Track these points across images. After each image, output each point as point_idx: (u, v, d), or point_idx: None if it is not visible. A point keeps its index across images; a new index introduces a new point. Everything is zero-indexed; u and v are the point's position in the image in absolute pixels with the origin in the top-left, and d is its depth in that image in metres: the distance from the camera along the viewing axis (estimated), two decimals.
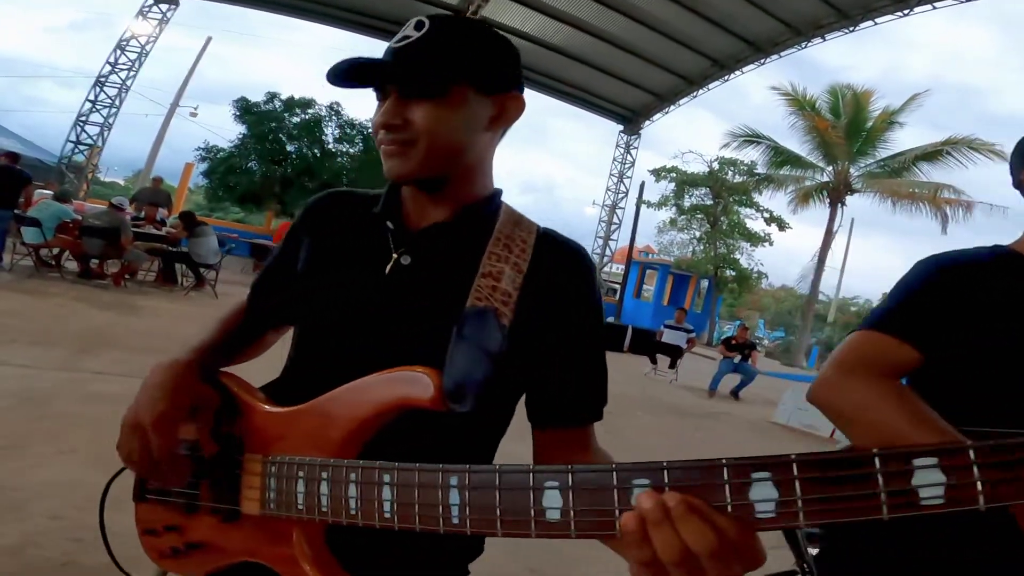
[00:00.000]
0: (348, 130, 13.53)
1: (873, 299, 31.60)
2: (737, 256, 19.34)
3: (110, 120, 13.65)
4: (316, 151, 13.11)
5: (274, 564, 0.67)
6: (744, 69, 15.25)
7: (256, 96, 13.37)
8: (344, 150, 13.55)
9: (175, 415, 0.69)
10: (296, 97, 13.35)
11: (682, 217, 19.83)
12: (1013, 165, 1.07)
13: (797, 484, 0.39)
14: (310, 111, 13.26)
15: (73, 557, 1.84)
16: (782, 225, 19.08)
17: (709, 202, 19.50)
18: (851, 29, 13.20)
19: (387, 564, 0.70)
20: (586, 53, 14.77)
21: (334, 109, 13.51)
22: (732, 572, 0.42)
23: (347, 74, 0.69)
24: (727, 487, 0.41)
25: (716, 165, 18.96)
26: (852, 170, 16.98)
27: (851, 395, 0.87)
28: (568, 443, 0.75)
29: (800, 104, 16.55)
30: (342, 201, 0.82)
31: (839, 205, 17.27)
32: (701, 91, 16.40)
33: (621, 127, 18.92)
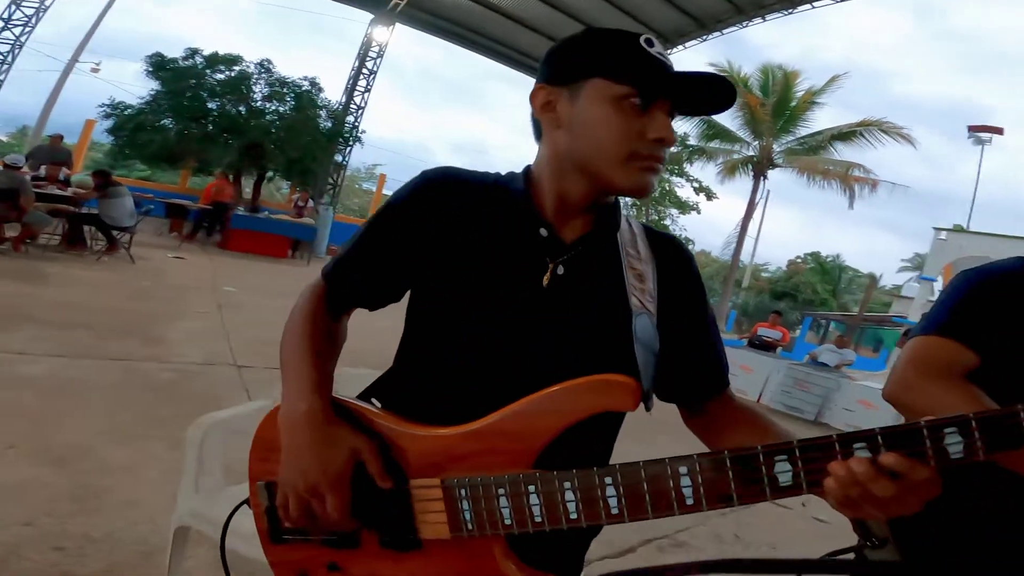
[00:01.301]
0: (279, 88, 12.83)
1: (782, 265, 34.10)
2: (667, 223, 20.29)
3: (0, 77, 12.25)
4: (242, 109, 12.36)
5: None
6: (687, 44, 15.49)
7: (172, 52, 12.46)
8: (273, 108, 12.85)
9: (346, 470, 0.66)
10: (221, 53, 12.50)
11: None
12: None
13: (977, 434, 0.52)
14: (236, 68, 12.47)
15: (64, 568, 1.69)
16: (710, 195, 20.09)
17: None
18: (790, 11, 13.66)
19: (542, 555, 0.71)
20: (534, 19, 14.56)
21: (264, 66, 12.79)
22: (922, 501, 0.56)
23: (704, 83, 0.68)
24: (928, 441, 0.53)
25: None
26: (775, 146, 17.94)
27: (932, 399, 0.95)
28: (725, 407, 0.80)
29: (734, 81, 16.99)
30: (464, 189, 0.76)
31: (761, 178, 18.26)
32: None
33: None
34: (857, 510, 0.56)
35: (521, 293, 0.72)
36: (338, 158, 15.17)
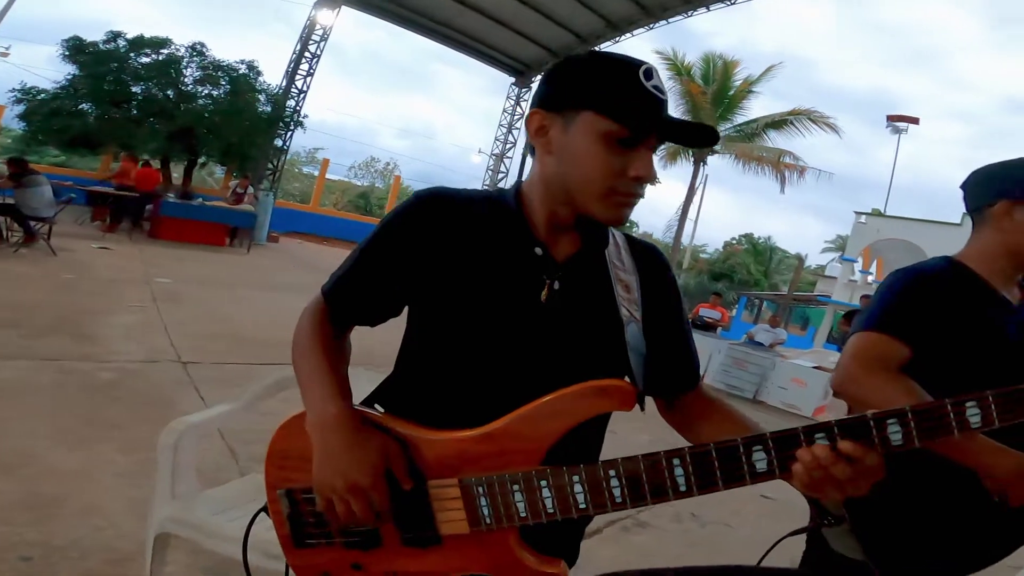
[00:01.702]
0: (213, 71, 12.22)
1: (719, 246, 35.55)
2: None
3: None
4: (170, 93, 11.71)
5: (493, 570, 0.74)
6: (635, 32, 15.72)
7: (92, 36, 11.68)
8: (206, 92, 12.26)
9: (382, 468, 0.71)
10: (146, 36, 11.80)
11: None
12: (976, 192, 1.26)
13: (912, 425, 0.63)
14: (164, 51, 11.80)
15: None
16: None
17: None
18: (733, 2, 14.03)
19: (548, 543, 0.77)
20: (484, 4, 14.39)
21: (196, 50, 12.14)
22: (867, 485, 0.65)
23: (681, 130, 0.73)
24: (874, 431, 0.64)
25: None
26: None
27: (875, 391, 1.08)
28: (698, 399, 0.89)
29: (678, 70, 17.47)
30: (456, 207, 0.81)
31: (701, 164, 18.92)
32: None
33: (513, 79, 19.09)
34: (819, 491, 0.65)
35: (521, 308, 0.77)
36: (278, 142, 14.67)
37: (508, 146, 20.15)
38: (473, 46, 17.03)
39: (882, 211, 20.37)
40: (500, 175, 20.36)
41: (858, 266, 20.42)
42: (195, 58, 12.15)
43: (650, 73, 0.72)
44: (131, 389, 3.26)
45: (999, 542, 1.15)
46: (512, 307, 0.76)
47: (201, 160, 13.22)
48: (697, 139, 0.74)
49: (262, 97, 13.11)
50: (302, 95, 14.72)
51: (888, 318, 1.14)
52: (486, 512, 0.72)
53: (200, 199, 11.21)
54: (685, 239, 24.75)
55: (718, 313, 9.42)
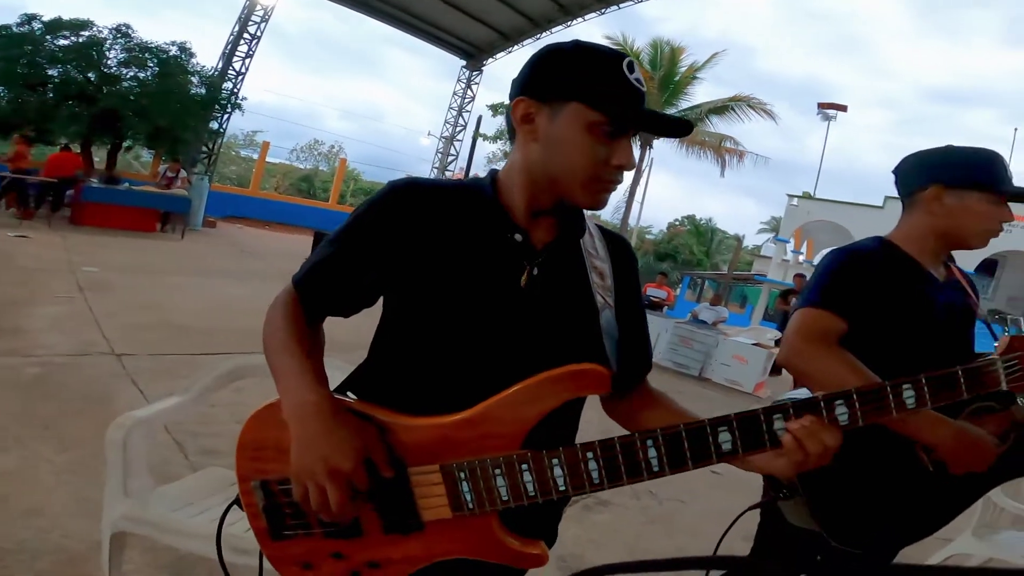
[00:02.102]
0: (139, 53, 11.53)
1: (663, 228, 36.55)
2: None
3: None
4: (91, 75, 10.95)
5: (476, 554, 0.75)
6: (587, 16, 15.73)
7: (5, 19, 11.02)
8: (132, 74, 11.57)
9: (361, 453, 0.71)
10: (65, 18, 11.03)
11: None
12: (909, 177, 1.35)
13: (857, 405, 0.71)
14: (85, 33, 11.06)
15: None
16: None
17: None
18: None
19: (528, 525, 0.78)
20: None
21: (122, 31, 11.43)
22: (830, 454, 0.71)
23: (658, 120, 0.76)
24: (825, 412, 0.71)
25: None
26: None
27: (818, 363, 1.16)
28: (645, 391, 0.93)
29: (628, 55, 17.68)
30: (430, 197, 0.82)
31: (648, 148, 19.31)
32: (544, 34, 16.64)
33: (464, 62, 18.80)
34: (803, 462, 0.71)
35: (501, 293, 0.78)
36: (214, 125, 14.02)
37: (458, 129, 19.93)
38: (423, 28, 16.70)
39: (812, 194, 21.45)
40: (450, 157, 20.22)
41: (790, 246, 21.51)
42: (120, 40, 11.49)
43: (632, 66, 0.76)
44: (62, 384, 3.07)
45: (938, 511, 1.24)
46: (493, 292, 0.78)
47: (127, 144, 12.46)
48: (673, 130, 0.77)
49: (195, 79, 12.52)
50: (240, 77, 14.17)
51: (826, 295, 1.22)
52: (468, 497, 0.73)
53: (127, 184, 10.56)
54: (632, 221, 25.31)
55: (664, 292, 9.73)
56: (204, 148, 14.01)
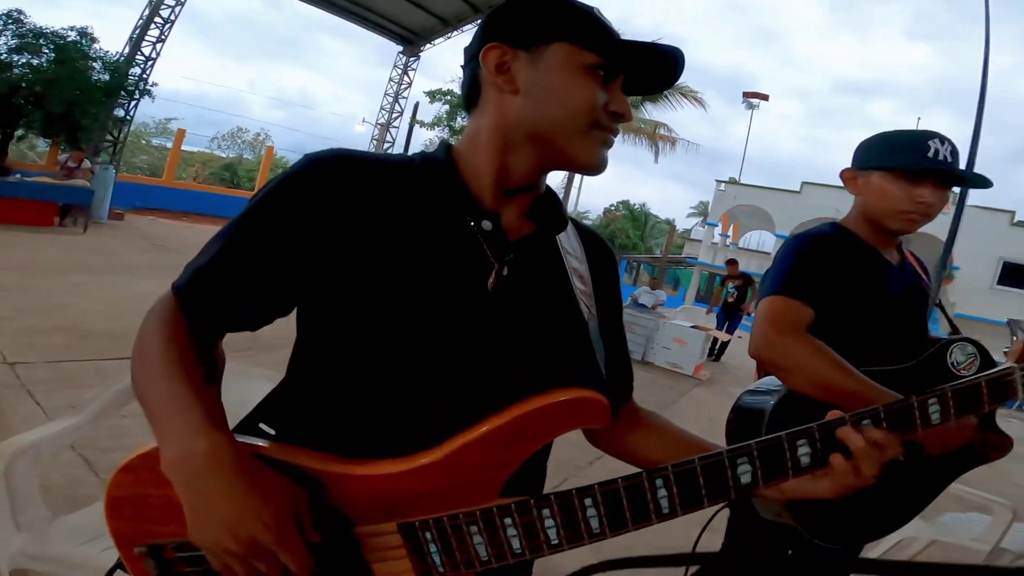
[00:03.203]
0: (32, 39, 10.73)
1: (600, 212, 37.39)
2: None
3: None
4: None
5: None
6: None
7: None
8: (25, 60, 10.74)
9: (288, 517, 0.55)
10: None
11: (454, 137, 20.63)
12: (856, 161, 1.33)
13: (952, 404, 0.70)
14: None
15: None
16: None
17: None
18: None
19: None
20: None
21: (13, 17, 10.62)
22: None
23: (660, 57, 0.66)
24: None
25: None
26: None
27: (793, 355, 1.11)
28: (632, 413, 0.81)
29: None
30: (365, 173, 0.64)
31: None
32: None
33: (400, 48, 18.40)
34: (860, 479, 0.64)
35: (462, 299, 0.62)
36: (120, 113, 13.09)
37: (394, 115, 19.50)
38: (358, 13, 16.09)
39: (738, 179, 22.49)
40: (386, 144, 19.82)
41: (718, 230, 22.51)
42: (10, 26, 10.67)
43: (600, 12, 0.67)
44: None
45: (909, 501, 1.22)
46: (451, 298, 0.62)
47: (19, 133, 11.37)
48: (660, 77, 0.69)
49: (97, 65, 11.70)
50: (150, 63, 13.32)
51: (791, 282, 1.18)
52: (438, 560, 0.59)
53: (18, 175, 9.58)
54: (570, 206, 25.62)
55: None
56: (109, 136, 13.11)
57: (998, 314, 14.88)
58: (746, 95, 26.75)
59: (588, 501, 0.59)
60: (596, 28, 0.64)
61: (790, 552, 1.43)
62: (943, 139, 1.22)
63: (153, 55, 13.32)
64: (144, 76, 13.12)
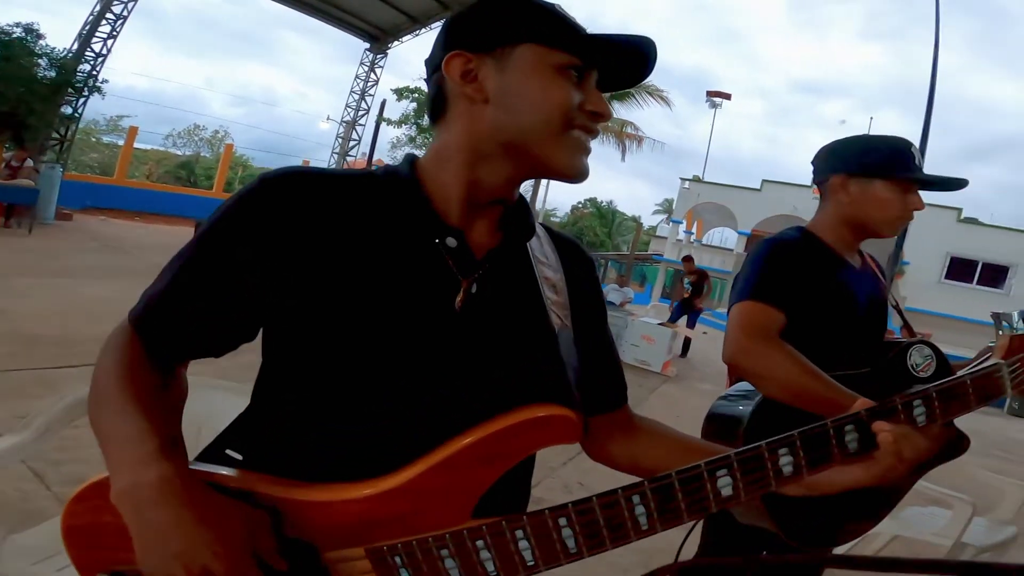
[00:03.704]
0: None
1: (567, 210, 37.74)
2: None
3: None
4: None
5: None
6: None
7: None
8: None
9: (245, 545, 0.53)
10: None
11: (421, 135, 20.51)
12: (818, 167, 1.37)
13: (936, 405, 0.70)
14: None
15: None
16: None
17: None
18: None
19: None
20: None
21: None
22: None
23: (632, 50, 0.64)
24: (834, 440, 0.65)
25: None
26: None
27: (766, 361, 1.12)
28: (628, 423, 0.80)
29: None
30: (322, 190, 0.62)
31: None
32: None
33: (367, 45, 18.10)
34: (894, 471, 0.65)
35: (429, 319, 0.60)
36: (68, 110, 12.56)
37: (360, 113, 19.24)
38: (323, 9, 15.76)
39: (701, 177, 22.95)
40: (352, 143, 19.56)
41: (683, 227, 22.94)
42: None
43: (563, 8, 0.64)
44: None
45: (882, 500, 1.25)
46: (417, 318, 0.60)
47: None
48: (633, 71, 0.66)
49: (44, 62, 11.29)
50: (100, 59, 12.80)
51: (762, 287, 1.19)
52: None
53: None
54: (537, 204, 25.75)
55: None
56: (56, 134, 12.57)
57: (946, 307, 15.62)
58: (710, 94, 27.37)
59: (563, 521, 0.58)
60: (562, 25, 0.62)
61: (764, 553, 1.44)
62: (913, 145, 1.26)
63: (104, 51, 12.93)
64: (94, 73, 12.70)
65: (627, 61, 0.65)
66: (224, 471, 0.60)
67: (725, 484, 0.60)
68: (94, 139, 28.99)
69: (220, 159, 21.34)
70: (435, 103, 0.65)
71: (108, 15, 12.74)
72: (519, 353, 0.65)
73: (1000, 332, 0.85)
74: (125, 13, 12.99)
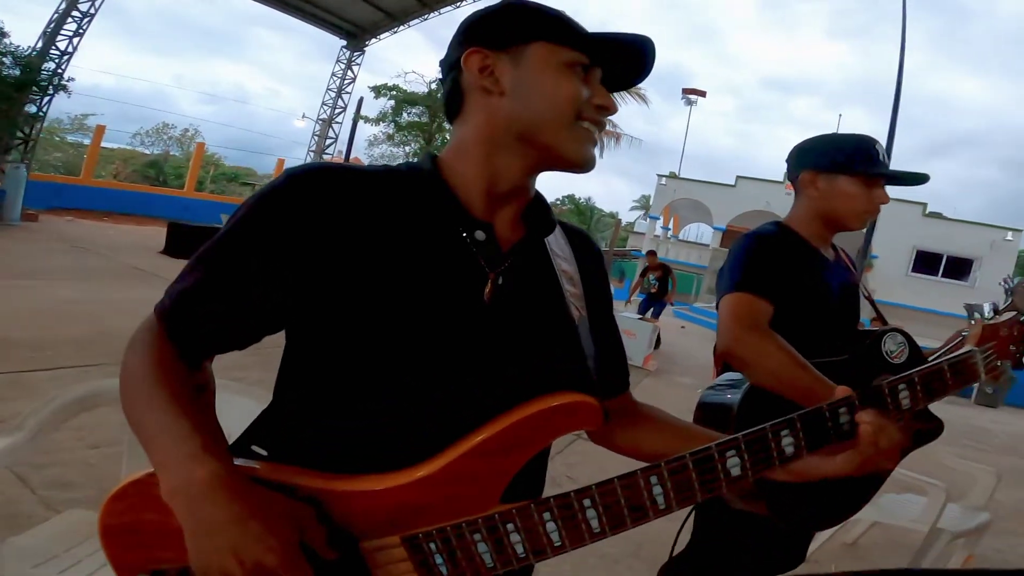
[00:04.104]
0: None
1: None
2: None
3: None
4: None
5: None
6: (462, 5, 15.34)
7: None
8: None
9: (294, 539, 0.54)
10: None
11: (399, 133, 20.79)
12: (791, 164, 1.43)
13: (919, 388, 0.76)
14: None
15: None
16: None
17: (425, 120, 20.96)
18: None
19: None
20: None
21: None
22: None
23: (633, 49, 0.67)
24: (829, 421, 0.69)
25: (435, 86, 19.95)
26: None
27: (759, 352, 1.16)
28: (630, 409, 0.83)
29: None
30: (348, 184, 0.63)
31: None
32: (433, 14, 16.12)
33: (344, 42, 17.90)
34: (871, 461, 0.68)
35: (459, 311, 0.63)
36: (32, 109, 12.23)
37: (337, 111, 19.01)
38: (299, 6, 15.54)
39: (677, 173, 23.25)
40: (328, 140, 19.35)
41: (660, 223, 23.21)
42: None
43: (567, 15, 0.69)
44: None
45: (865, 485, 1.30)
46: (448, 311, 0.62)
47: None
48: (633, 70, 0.70)
49: (7, 60, 10.97)
50: (66, 57, 12.44)
51: (750, 278, 1.24)
52: (444, 570, 0.60)
53: None
54: None
55: None
56: (20, 134, 12.15)
57: (913, 300, 16.12)
58: (685, 91, 27.70)
59: (587, 502, 0.60)
60: (569, 26, 0.66)
61: (750, 543, 1.49)
62: (877, 141, 1.33)
63: (70, 49, 12.59)
64: (59, 71, 12.35)
65: (628, 60, 0.69)
66: (262, 465, 0.61)
67: (734, 464, 0.64)
68: (58, 138, 28.08)
69: (191, 158, 20.85)
70: (452, 100, 0.68)
71: (74, 13, 12.47)
72: (544, 343, 0.68)
73: (972, 322, 0.91)
74: (92, 11, 12.69)
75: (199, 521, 0.52)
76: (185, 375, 0.61)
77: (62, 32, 12.33)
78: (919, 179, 1.37)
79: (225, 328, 0.62)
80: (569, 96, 0.64)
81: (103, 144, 18.80)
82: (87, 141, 19.52)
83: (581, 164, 0.67)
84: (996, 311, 0.94)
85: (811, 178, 1.35)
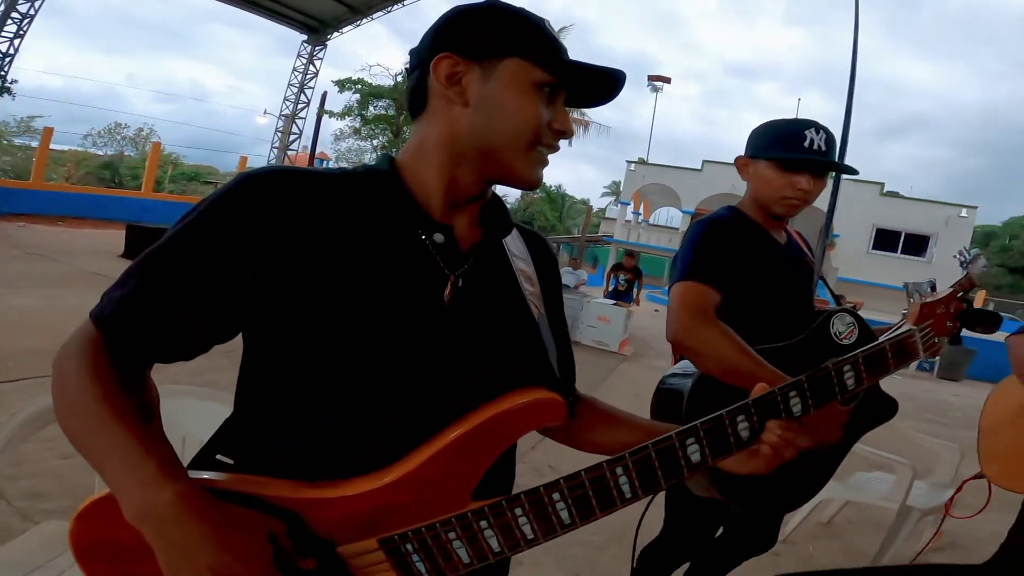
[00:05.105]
0: None
1: (518, 195, 37.95)
2: None
3: None
4: None
5: None
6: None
7: None
8: None
9: (268, 551, 0.54)
10: None
11: (366, 127, 20.50)
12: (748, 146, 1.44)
13: (862, 368, 0.80)
14: None
15: None
16: None
17: (392, 113, 20.58)
18: None
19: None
20: None
21: None
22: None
23: (603, 78, 0.66)
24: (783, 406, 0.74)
25: (401, 79, 19.43)
26: None
27: (706, 340, 1.19)
28: (579, 404, 0.83)
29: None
30: (306, 186, 0.62)
31: None
32: (396, 7, 15.81)
33: (305, 37, 17.65)
34: (779, 459, 0.73)
35: (419, 314, 0.62)
36: None
37: (300, 106, 18.67)
38: (257, 1, 15.21)
39: (646, 159, 23.45)
40: (292, 136, 18.99)
41: (631, 208, 23.44)
42: None
43: (550, 24, 0.68)
44: None
45: (820, 468, 1.33)
46: (408, 312, 0.62)
47: None
48: (600, 95, 0.70)
49: None
50: (7, 59, 11.86)
51: (699, 267, 1.26)
52: (423, 568, 0.62)
53: None
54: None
55: None
56: None
57: (874, 276, 16.66)
58: (651, 78, 27.81)
59: (556, 495, 0.62)
60: (548, 45, 0.65)
61: (721, 528, 1.53)
62: (819, 128, 1.32)
63: (11, 51, 12.05)
64: (2, 73, 11.84)
65: (597, 86, 0.69)
66: (230, 477, 0.60)
67: (694, 451, 0.67)
68: (5, 142, 26.81)
69: (147, 158, 20.14)
70: (415, 97, 0.67)
71: (13, 14, 11.93)
72: (506, 342, 0.68)
73: (911, 301, 0.94)
74: (32, 12, 12.16)
75: (171, 544, 0.51)
76: (126, 388, 0.57)
77: (2, 35, 11.82)
78: (845, 170, 1.38)
79: (169, 335, 0.58)
80: (531, 121, 0.64)
81: (52, 146, 18.02)
82: (35, 144, 18.66)
83: (530, 185, 0.68)
84: (933, 288, 0.97)
85: (743, 163, 1.40)
